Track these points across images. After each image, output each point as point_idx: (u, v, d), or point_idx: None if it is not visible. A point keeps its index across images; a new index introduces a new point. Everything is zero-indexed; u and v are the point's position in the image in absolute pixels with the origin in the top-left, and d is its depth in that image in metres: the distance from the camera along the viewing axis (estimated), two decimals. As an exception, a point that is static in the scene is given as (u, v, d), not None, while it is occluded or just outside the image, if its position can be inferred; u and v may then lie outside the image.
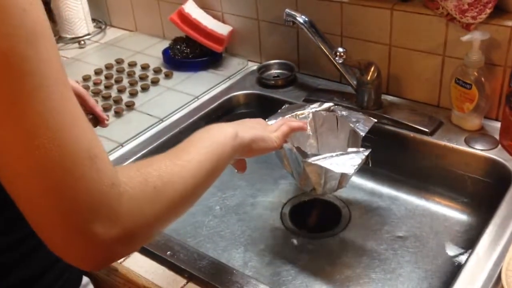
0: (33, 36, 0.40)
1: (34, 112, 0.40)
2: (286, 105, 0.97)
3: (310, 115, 0.93)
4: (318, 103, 0.95)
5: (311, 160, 0.80)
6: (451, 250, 0.91)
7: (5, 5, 0.38)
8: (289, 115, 0.92)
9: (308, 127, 0.93)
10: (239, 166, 0.81)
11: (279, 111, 0.95)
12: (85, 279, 0.77)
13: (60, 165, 0.41)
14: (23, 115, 0.40)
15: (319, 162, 0.80)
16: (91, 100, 0.91)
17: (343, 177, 0.84)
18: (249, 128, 0.73)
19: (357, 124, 0.89)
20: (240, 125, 0.73)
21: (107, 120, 0.92)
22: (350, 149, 0.83)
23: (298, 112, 0.93)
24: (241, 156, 0.75)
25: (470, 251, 0.75)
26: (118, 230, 0.44)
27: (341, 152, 0.82)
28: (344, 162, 0.79)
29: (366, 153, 0.81)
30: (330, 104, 0.94)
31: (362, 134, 0.87)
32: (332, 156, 0.80)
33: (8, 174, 0.42)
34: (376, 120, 0.91)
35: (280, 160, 0.90)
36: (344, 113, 0.92)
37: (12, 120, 0.40)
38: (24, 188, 0.42)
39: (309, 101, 1.12)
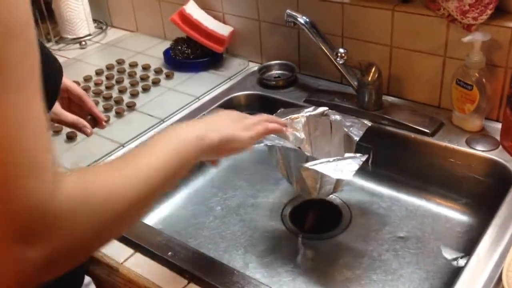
0: None
1: None
2: (281, 109, 0.96)
3: (304, 120, 0.92)
4: (313, 107, 0.94)
5: (308, 164, 0.79)
6: (452, 251, 0.91)
7: None
8: (284, 119, 0.91)
9: (302, 132, 0.92)
10: (212, 160, 0.78)
11: (273, 114, 0.93)
12: (87, 279, 0.78)
13: None
14: None
15: (317, 167, 0.79)
16: (89, 101, 0.90)
17: (339, 182, 0.83)
18: (219, 127, 0.69)
19: (351, 129, 0.88)
20: (210, 123, 0.69)
21: (106, 121, 0.92)
22: (347, 154, 0.82)
23: (292, 116, 0.92)
24: (210, 157, 0.72)
25: (471, 252, 0.75)
26: (44, 250, 0.41)
27: (337, 157, 0.81)
28: (342, 168, 0.79)
29: (363, 158, 0.80)
30: (325, 108, 0.93)
31: (356, 138, 0.86)
32: (329, 161, 0.80)
33: None
34: (370, 124, 0.90)
35: (275, 162, 0.89)
36: (337, 117, 0.91)
37: None
38: None
39: (310, 101, 1.12)
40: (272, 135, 0.83)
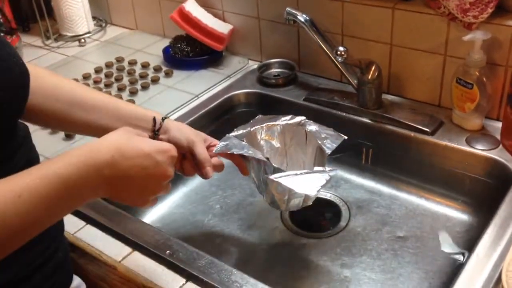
0: None
1: None
2: (259, 116, 0.91)
3: (280, 128, 0.89)
4: (290, 116, 0.89)
5: (273, 176, 0.77)
6: (451, 251, 0.90)
7: None
8: (259, 126, 0.88)
9: (278, 141, 0.89)
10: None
11: (251, 121, 0.90)
12: (76, 281, 0.77)
13: None
14: None
15: (282, 180, 0.76)
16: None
17: (308, 196, 0.80)
18: (121, 196, 0.59)
19: (325, 141, 0.84)
20: (115, 189, 0.57)
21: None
22: (316, 168, 0.80)
23: (269, 124, 0.89)
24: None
25: (470, 251, 0.75)
26: None
27: (306, 171, 0.79)
28: (308, 182, 0.76)
29: (332, 173, 0.77)
30: (302, 118, 0.88)
31: (328, 152, 0.83)
32: (296, 174, 0.77)
33: None
34: (346, 137, 0.84)
35: (249, 171, 0.85)
36: (313, 128, 0.86)
37: None
38: None
39: (309, 100, 1.12)
40: (243, 143, 0.81)
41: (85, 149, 0.55)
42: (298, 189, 0.75)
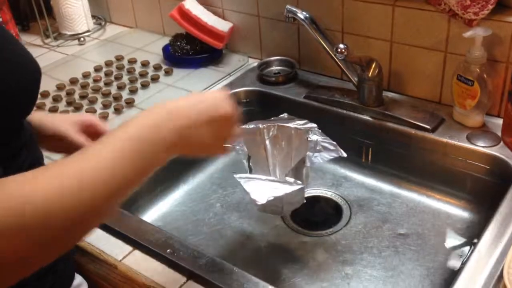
0: None
1: None
2: (285, 114, 0.92)
3: (288, 130, 0.87)
4: (305, 121, 0.88)
5: (237, 176, 0.77)
6: (453, 248, 0.90)
7: None
8: (271, 124, 0.88)
9: (281, 142, 0.89)
10: None
11: (272, 118, 0.90)
12: (78, 280, 0.77)
13: None
14: None
15: (242, 181, 0.76)
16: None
17: (283, 205, 0.79)
18: (193, 136, 0.58)
19: (316, 154, 0.82)
20: (185, 128, 0.56)
21: None
22: (287, 179, 0.80)
23: (281, 124, 0.88)
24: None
25: (471, 248, 0.75)
26: None
27: (275, 179, 0.79)
28: (267, 189, 0.75)
29: (296, 188, 0.76)
30: (314, 125, 0.86)
31: (308, 164, 0.81)
32: (261, 179, 0.77)
33: None
34: (345, 155, 0.82)
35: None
36: (315, 137, 0.84)
37: None
38: None
39: (309, 98, 1.12)
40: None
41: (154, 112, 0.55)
42: (252, 194, 0.75)
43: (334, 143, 0.84)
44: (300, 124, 0.88)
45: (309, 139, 0.84)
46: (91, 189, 0.45)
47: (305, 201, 0.83)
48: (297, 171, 0.82)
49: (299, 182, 0.80)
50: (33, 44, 1.48)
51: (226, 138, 0.65)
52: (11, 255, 0.40)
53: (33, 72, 0.61)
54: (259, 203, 0.74)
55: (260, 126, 0.88)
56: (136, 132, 0.52)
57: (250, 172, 0.84)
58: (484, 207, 0.93)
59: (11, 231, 0.40)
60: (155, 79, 1.25)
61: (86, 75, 1.28)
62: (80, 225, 0.45)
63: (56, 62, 1.37)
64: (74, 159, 0.47)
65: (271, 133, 0.89)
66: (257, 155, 0.88)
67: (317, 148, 0.83)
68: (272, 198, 0.75)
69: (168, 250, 0.78)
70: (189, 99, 0.59)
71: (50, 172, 0.45)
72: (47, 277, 0.66)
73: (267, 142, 0.87)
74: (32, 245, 0.41)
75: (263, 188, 0.76)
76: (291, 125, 0.88)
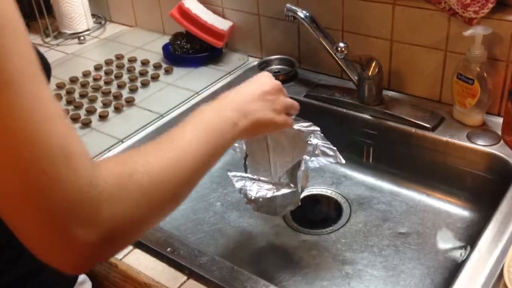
0: None
1: (1, 112, 0.38)
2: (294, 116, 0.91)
3: (290, 131, 0.86)
4: (309, 123, 0.86)
5: (232, 174, 0.78)
6: (453, 246, 0.90)
7: None
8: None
9: (271, 143, 0.88)
10: None
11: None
12: (81, 277, 0.77)
13: (33, 165, 0.39)
14: None
15: (235, 180, 0.77)
16: None
17: (273, 202, 0.79)
18: (253, 110, 0.67)
19: (313, 158, 0.81)
20: (243, 104, 0.66)
21: None
22: (282, 180, 0.79)
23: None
24: (243, 139, 0.72)
25: (472, 247, 0.75)
26: (98, 233, 0.42)
27: (268, 179, 0.79)
28: (258, 189, 0.76)
29: (288, 190, 0.76)
30: (317, 128, 0.85)
31: (302, 168, 0.80)
32: (254, 179, 0.77)
33: None
34: (344, 161, 0.81)
35: None
36: (316, 141, 0.83)
37: None
38: None
39: (309, 96, 1.12)
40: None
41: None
42: (242, 191, 0.76)
43: (334, 148, 0.82)
44: (304, 126, 0.86)
45: (309, 142, 0.83)
46: (188, 162, 0.53)
47: (299, 204, 0.82)
48: (293, 173, 0.81)
49: (292, 185, 0.79)
50: (33, 43, 1.47)
51: (284, 109, 0.73)
52: (138, 219, 0.47)
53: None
54: (247, 201, 0.75)
55: None
56: (206, 117, 0.60)
57: (246, 171, 0.83)
58: (484, 205, 0.93)
59: (137, 201, 0.46)
60: (155, 78, 1.25)
61: (86, 74, 1.28)
62: (183, 191, 0.53)
63: (56, 61, 1.37)
64: (169, 140, 0.54)
65: (273, 133, 0.88)
66: (258, 155, 0.88)
67: (316, 152, 0.82)
68: (260, 198, 0.75)
69: (169, 248, 0.78)
70: (236, 88, 0.70)
71: (156, 150, 0.51)
72: (53, 274, 0.66)
73: (269, 141, 0.87)
74: (157, 208, 0.49)
75: (254, 188, 0.76)
76: (295, 126, 0.86)
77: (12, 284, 0.60)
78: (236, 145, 0.85)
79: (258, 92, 0.69)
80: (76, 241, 0.41)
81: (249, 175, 0.80)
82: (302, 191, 0.85)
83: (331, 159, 0.81)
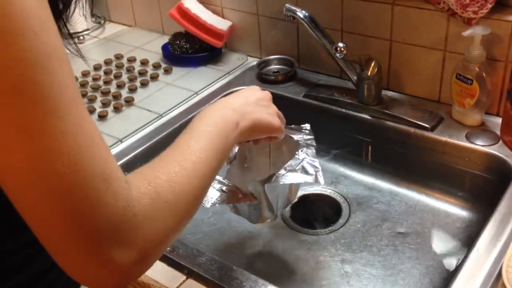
0: (44, 59, 0.39)
1: (47, 138, 0.39)
2: (307, 125, 0.86)
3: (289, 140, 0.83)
4: (311, 137, 0.83)
5: (219, 177, 0.77)
6: (452, 246, 0.90)
7: (16, 28, 0.37)
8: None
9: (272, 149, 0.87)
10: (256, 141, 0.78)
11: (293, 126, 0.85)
12: None
13: (75, 190, 0.40)
14: (35, 141, 0.39)
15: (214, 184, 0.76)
16: None
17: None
18: (251, 112, 0.69)
19: (287, 174, 0.75)
20: (242, 106, 0.69)
21: None
22: (244, 190, 0.76)
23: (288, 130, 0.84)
24: (243, 140, 0.72)
25: (470, 247, 0.75)
26: (135, 253, 0.44)
27: (234, 187, 0.76)
28: (216, 195, 0.74)
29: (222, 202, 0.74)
30: (313, 144, 0.81)
31: (277, 183, 0.75)
32: (224, 183, 0.75)
33: (21, 201, 0.41)
34: (322, 183, 0.75)
35: None
36: (305, 157, 0.77)
37: (23, 146, 0.38)
38: (38, 216, 0.41)
39: (309, 96, 1.12)
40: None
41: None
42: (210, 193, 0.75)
43: (319, 168, 0.76)
44: (304, 139, 0.83)
45: (296, 155, 0.79)
46: (203, 170, 0.54)
47: (269, 221, 0.81)
48: (261, 185, 0.76)
49: (256, 197, 0.75)
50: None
51: (277, 114, 0.75)
52: (167, 234, 0.49)
53: None
54: (205, 206, 0.73)
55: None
56: (212, 121, 0.62)
57: (223, 174, 0.80)
58: (483, 205, 0.93)
59: (166, 217, 0.48)
60: (154, 77, 1.25)
61: (85, 74, 1.28)
62: (198, 201, 0.55)
63: (55, 60, 1.37)
64: (184, 149, 0.56)
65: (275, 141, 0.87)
66: (260, 159, 0.87)
67: (296, 167, 0.76)
68: (214, 202, 0.73)
69: (168, 248, 0.78)
70: (229, 96, 0.72)
71: (175, 161, 0.53)
72: (63, 274, 0.66)
73: (272, 147, 0.87)
74: (182, 219, 0.51)
75: (212, 193, 0.74)
76: (295, 136, 0.84)
77: (24, 283, 0.60)
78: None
79: (252, 98, 0.72)
80: (113, 263, 0.43)
81: (221, 179, 0.76)
82: (289, 203, 0.84)
83: (308, 178, 0.75)
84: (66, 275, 0.67)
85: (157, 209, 0.46)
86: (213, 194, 0.74)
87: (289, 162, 0.77)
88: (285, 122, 0.78)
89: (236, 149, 0.85)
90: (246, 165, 0.87)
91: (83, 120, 0.42)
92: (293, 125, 0.86)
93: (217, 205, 0.73)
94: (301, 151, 0.79)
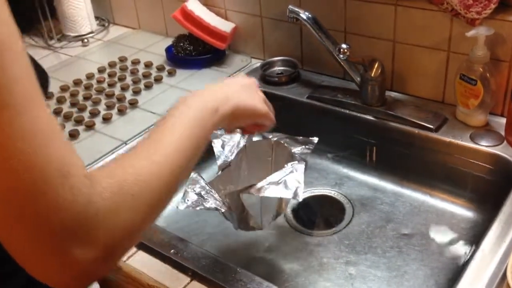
0: None
1: (0, 134, 0.38)
2: (315, 138, 0.85)
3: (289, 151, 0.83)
4: (309, 152, 0.82)
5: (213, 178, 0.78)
6: (457, 247, 0.90)
7: None
8: (276, 138, 0.86)
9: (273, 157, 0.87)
10: (246, 131, 0.78)
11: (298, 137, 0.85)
12: None
13: (32, 188, 0.39)
14: None
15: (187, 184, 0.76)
16: None
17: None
18: (235, 96, 0.68)
19: (270, 186, 0.73)
20: (223, 93, 0.67)
21: None
22: (222, 197, 0.76)
23: (287, 140, 0.85)
24: (226, 127, 0.72)
25: (475, 248, 0.74)
26: (98, 250, 0.42)
27: (209, 189, 0.77)
28: (195, 198, 0.75)
29: (204, 205, 0.74)
30: (305, 160, 0.80)
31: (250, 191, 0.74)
32: (205, 188, 0.76)
33: None
34: (300, 199, 0.73)
35: None
36: (293, 172, 0.75)
37: None
38: None
39: (312, 98, 1.12)
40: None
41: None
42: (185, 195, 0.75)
43: (300, 185, 0.73)
44: (300, 153, 0.82)
45: (284, 167, 0.77)
46: (175, 162, 0.53)
47: (253, 230, 0.81)
48: (238, 196, 0.76)
49: (232, 208, 0.76)
50: (36, 45, 1.48)
51: (264, 100, 0.74)
52: (133, 228, 0.47)
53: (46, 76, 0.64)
54: (180, 207, 0.74)
55: (270, 137, 0.86)
56: (191, 113, 0.60)
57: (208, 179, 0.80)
58: (488, 206, 0.93)
59: (131, 212, 0.46)
60: (158, 80, 1.25)
61: (89, 77, 1.28)
62: (171, 191, 0.53)
63: (60, 63, 1.38)
64: (156, 141, 0.55)
65: (273, 148, 0.87)
66: (260, 163, 0.87)
67: (278, 181, 0.74)
68: (187, 203, 0.74)
69: (172, 250, 0.78)
70: (215, 83, 0.71)
71: (144, 155, 0.52)
72: None
73: (274, 156, 0.87)
74: (149, 214, 0.49)
75: (191, 196, 0.74)
76: (292, 148, 0.83)
77: (24, 285, 0.60)
78: (230, 156, 0.84)
79: (236, 84, 0.72)
80: (75, 260, 0.41)
81: (204, 184, 0.76)
82: (278, 215, 0.83)
83: (287, 193, 0.72)
84: None
85: (121, 204, 0.45)
86: (191, 197, 0.74)
87: (273, 174, 0.75)
88: (273, 110, 0.77)
89: (233, 156, 0.85)
90: (237, 173, 0.87)
91: (39, 116, 0.40)
92: (300, 137, 0.85)
93: (190, 208, 0.73)
94: (291, 164, 0.77)
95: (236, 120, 0.69)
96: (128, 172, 0.47)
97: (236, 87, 0.71)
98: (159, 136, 0.55)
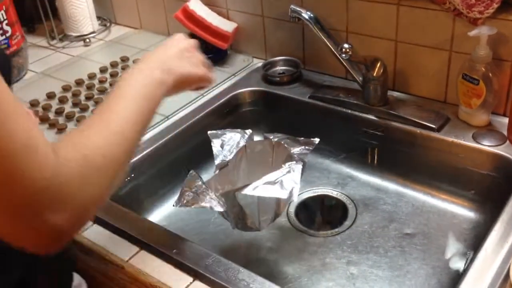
0: None
1: None
2: (317, 138, 0.85)
3: (290, 152, 0.82)
4: (308, 153, 0.82)
5: (211, 177, 0.79)
6: (459, 247, 0.90)
7: None
8: (277, 139, 0.86)
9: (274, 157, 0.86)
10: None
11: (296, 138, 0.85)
12: (76, 280, 0.77)
13: (0, 162, 0.42)
14: None
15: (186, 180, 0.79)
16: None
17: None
18: (174, 67, 0.71)
19: (265, 186, 0.74)
20: (164, 63, 0.70)
21: None
22: (217, 196, 0.76)
23: (288, 141, 0.85)
24: (171, 95, 0.73)
25: (477, 248, 0.74)
26: (66, 215, 0.46)
27: (206, 187, 0.77)
28: (190, 197, 0.76)
29: (196, 204, 0.75)
30: (305, 160, 0.80)
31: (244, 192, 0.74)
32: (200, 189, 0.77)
33: None
34: (295, 200, 0.75)
35: None
36: (290, 173, 0.75)
37: None
38: None
39: (314, 97, 1.12)
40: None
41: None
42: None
43: (296, 186, 0.73)
44: (299, 153, 0.81)
45: (282, 167, 0.77)
46: (130, 131, 0.57)
47: (250, 230, 0.82)
48: (231, 196, 0.76)
49: (226, 207, 0.76)
50: (38, 45, 1.49)
51: (202, 63, 0.77)
52: (98, 195, 0.51)
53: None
54: (175, 206, 0.76)
55: (271, 137, 0.87)
56: (139, 83, 0.63)
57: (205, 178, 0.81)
58: (490, 206, 0.93)
59: (95, 179, 0.50)
60: (160, 79, 1.25)
61: (91, 76, 1.28)
62: (125, 164, 0.57)
63: (62, 63, 1.38)
64: (110, 112, 0.58)
65: (274, 148, 0.87)
66: (260, 164, 0.87)
67: (276, 180, 0.74)
68: (179, 203, 0.75)
69: (174, 250, 0.78)
70: (154, 50, 0.74)
71: (102, 126, 0.55)
72: (47, 280, 0.66)
73: (274, 156, 0.86)
74: (105, 186, 0.52)
75: (188, 194, 0.76)
76: (292, 149, 0.82)
77: (23, 278, 0.61)
78: (223, 151, 0.84)
79: (175, 50, 0.73)
80: (47, 226, 0.45)
81: (200, 183, 0.77)
82: (277, 217, 0.83)
83: (282, 193, 0.72)
84: (51, 284, 0.67)
85: (86, 173, 0.48)
86: (187, 196, 0.75)
87: (270, 174, 0.75)
88: (212, 68, 0.81)
89: (232, 155, 0.84)
90: (236, 173, 0.87)
91: (0, 91, 0.43)
92: (301, 138, 0.85)
93: (185, 207, 0.75)
94: (288, 164, 0.77)
95: (180, 88, 0.73)
96: (91, 143, 0.51)
97: (176, 53, 0.73)
98: (113, 108, 0.58)
